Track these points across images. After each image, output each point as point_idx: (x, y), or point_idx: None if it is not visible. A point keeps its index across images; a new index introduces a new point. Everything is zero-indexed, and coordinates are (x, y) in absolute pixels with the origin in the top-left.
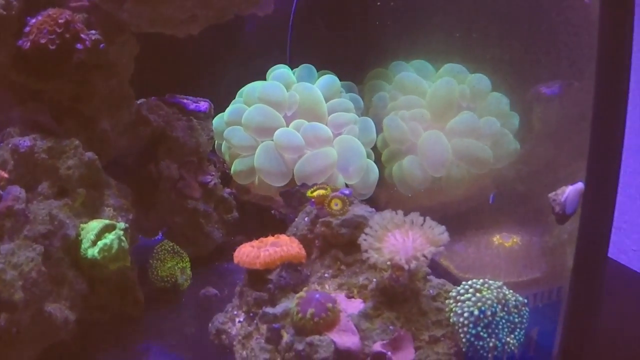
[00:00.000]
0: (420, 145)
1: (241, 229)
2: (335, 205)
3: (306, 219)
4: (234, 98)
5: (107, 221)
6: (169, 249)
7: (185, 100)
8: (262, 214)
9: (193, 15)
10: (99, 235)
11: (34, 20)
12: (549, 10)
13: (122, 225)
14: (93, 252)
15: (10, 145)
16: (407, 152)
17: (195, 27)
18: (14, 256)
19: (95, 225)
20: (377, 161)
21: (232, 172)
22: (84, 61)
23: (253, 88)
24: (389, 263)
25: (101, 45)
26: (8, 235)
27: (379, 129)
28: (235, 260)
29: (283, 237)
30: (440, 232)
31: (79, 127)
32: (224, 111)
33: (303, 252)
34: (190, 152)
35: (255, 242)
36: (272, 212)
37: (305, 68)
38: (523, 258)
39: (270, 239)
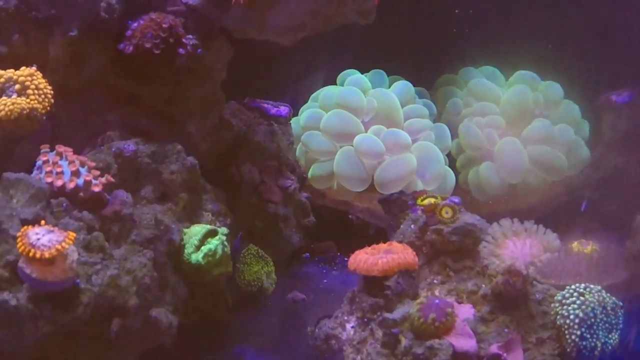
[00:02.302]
0: (497, 152)
1: (319, 234)
2: (446, 214)
3: (412, 226)
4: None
5: (209, 226)
6: (255, 253)
7: (266, 105)
8: (339, 219)
9: (302, 24)
10: (202, 241)
11: (136, 24)
12: (624, 20)
13: (224, 230)
14: (197, 257)
15: (113, 149)
16: (482, 158)
17: (301, 35)
18: (127, 261)
19: (198, 230)
20: (452, 167)
21: (309, 176)
22: (183, 66)
23: (330, 93)
24: (497, 270)
25: (199, 50)
26: (114, 240)
27: (453, 135)
28: (351, 267)
29: (396, 245)
30: (553, 239)
31: (167, 130)
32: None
33: (417, 259)
34: (271, 156)
35: (368, 249)
36: (350, 217)
37: (376, 74)
38: (603, 264)
39: (383, 246)
